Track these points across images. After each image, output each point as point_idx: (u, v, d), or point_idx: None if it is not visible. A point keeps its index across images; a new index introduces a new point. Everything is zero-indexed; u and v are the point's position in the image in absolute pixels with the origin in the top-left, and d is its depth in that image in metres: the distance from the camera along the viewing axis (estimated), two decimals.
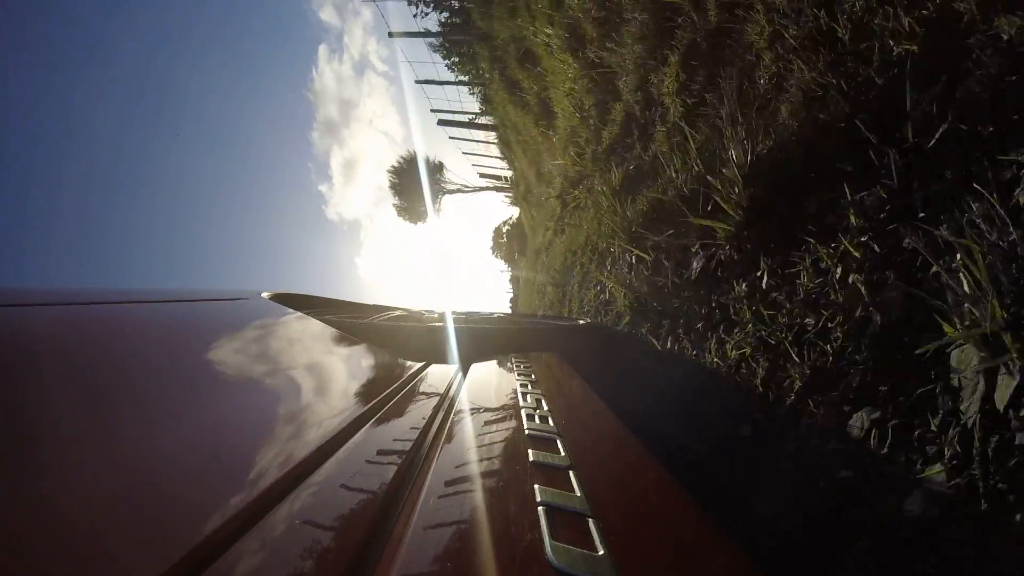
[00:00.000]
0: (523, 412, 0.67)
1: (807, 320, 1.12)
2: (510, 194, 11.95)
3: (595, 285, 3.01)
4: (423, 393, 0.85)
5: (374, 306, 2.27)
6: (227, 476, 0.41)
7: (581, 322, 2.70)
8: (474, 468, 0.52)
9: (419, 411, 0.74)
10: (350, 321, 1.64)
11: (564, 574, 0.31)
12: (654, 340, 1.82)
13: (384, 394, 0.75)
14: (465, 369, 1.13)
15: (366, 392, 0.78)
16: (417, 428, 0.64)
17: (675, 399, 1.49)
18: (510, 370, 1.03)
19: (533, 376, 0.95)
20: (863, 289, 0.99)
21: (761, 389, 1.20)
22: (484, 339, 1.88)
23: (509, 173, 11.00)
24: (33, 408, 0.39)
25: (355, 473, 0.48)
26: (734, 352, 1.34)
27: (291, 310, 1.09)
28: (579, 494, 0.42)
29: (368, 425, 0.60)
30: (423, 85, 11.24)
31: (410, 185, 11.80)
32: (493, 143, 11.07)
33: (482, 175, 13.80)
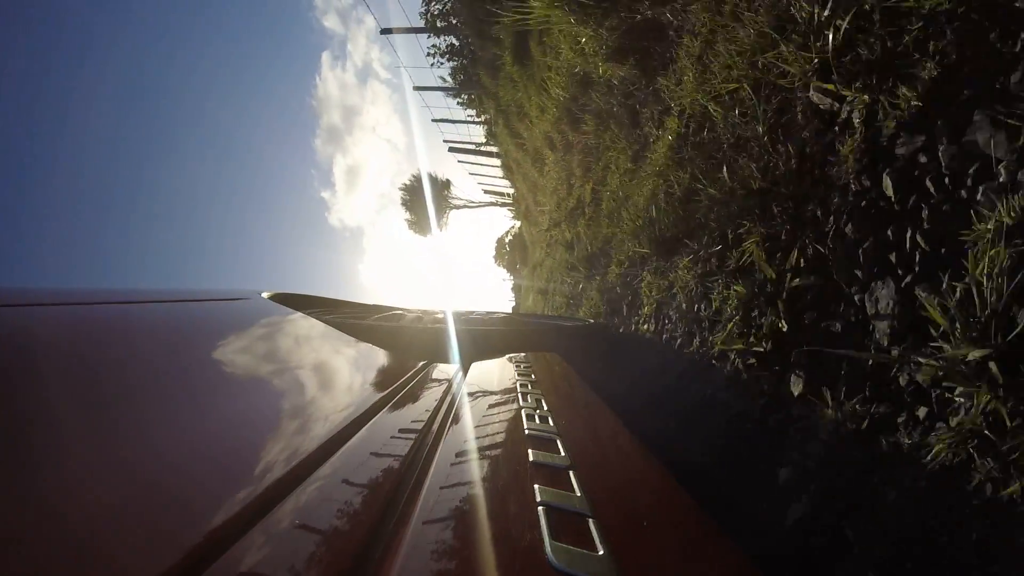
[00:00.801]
0: (523, 412, 0.67)
1: None
2: (512, 210, 13.26)
3: (558, 293, 5.22)
4: (423, 393, 0.85)
5: (374, 306, 2.27)
6: (228, 475, 0.41)
7: (591, 321, 2.72)
8: (474, 468, 0.52)
9: (419, 411, 0.74)
10: (350, 321, 1.64)
11: (564, 574, 0.31)
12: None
13: (384, 394, 0.75)
14: (466, 369, 1.13)
15: (366, 392, 0.79)
16: (417, 428, 0.64)
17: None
18: (510, 370, 1.03)
19: (533, 376, 0.95)
20: None
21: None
22: (485, 339, 1.88)
23: (511, 190, 12.17)
24: (34, 408, 0.39)
25: (356, 473, 0.48)
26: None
27: (291, 310, 1.09)
28: (579, 494, 0.42)
29: (368, 425, 0.60)
30: (438, 122, 12.77)
31: (420, 202, 13.18)
32: (497, 167, 12.15)
33: (486, 191, 15.09)
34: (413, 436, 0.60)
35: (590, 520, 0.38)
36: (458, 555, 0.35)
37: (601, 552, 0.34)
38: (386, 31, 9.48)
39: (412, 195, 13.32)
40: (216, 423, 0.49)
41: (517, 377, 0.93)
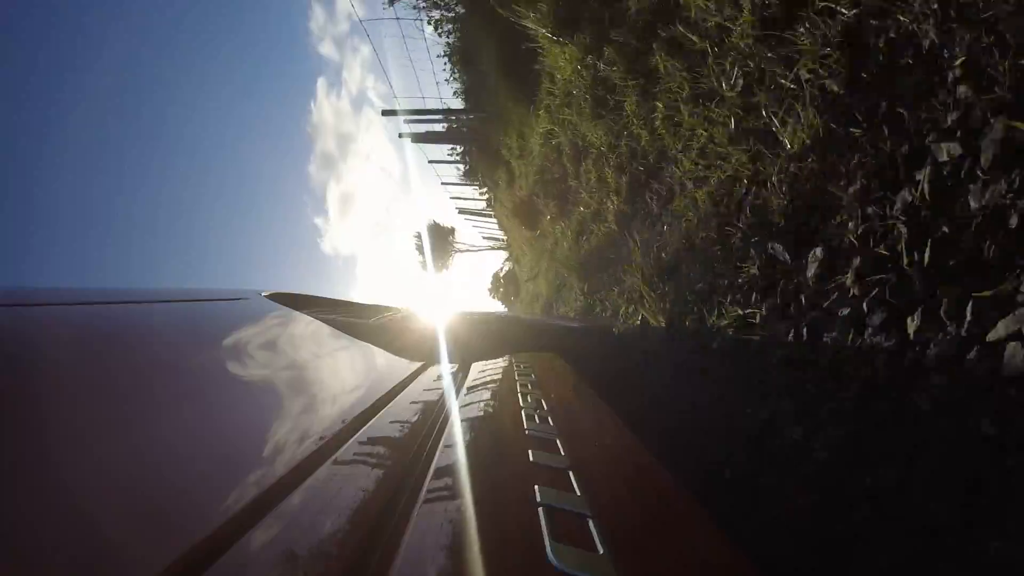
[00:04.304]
0: (523, 412, 0.67)
1: None
2: (508, 254, 16.38)
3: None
4: (423, 392, 0.85)
5: (375, 306, 2.27)
6: (227, 476, 0.41)
7: (581, 324, 2.72)
8: (474, 468, 0.52)
9: (419, 411, 0.74)
10: (350, 320, 1.64)
11: (564, 574, 0.31)
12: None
13: (384, 393, 0.75)
14: (465, 369, 1.13)
15: (366, 392, 0.78)
16: (417, 428, 0.64)
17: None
18: (510, 370, 1.03)
19: (533, 376, 0.95)
20: None
21: None
22: (485, 339, 1.88)
23: (506, 237, 14.92)
24: (33, 408, 0.39)
25: (355, 473, 0.48)
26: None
27: (291, 309, 1.08)
28: (579, 494, 0.42)
29: (368, 425, 0.60)
30: (455, 199, 16.36)
31: (430, 247, 16.09)
32: (494, 223, 15.52)
33: (485, 238, 18.65)
34: (413, 436, 0.60)
35: (590, 520, 0.38)
36: (458, 555, 0.35)
37: (601, 552, 0.34)
38: (432, 162, 13.19)
39: (423, 242, 16.40)
40: (216, 424, 0.49)
41: (517, 377, 0.93)
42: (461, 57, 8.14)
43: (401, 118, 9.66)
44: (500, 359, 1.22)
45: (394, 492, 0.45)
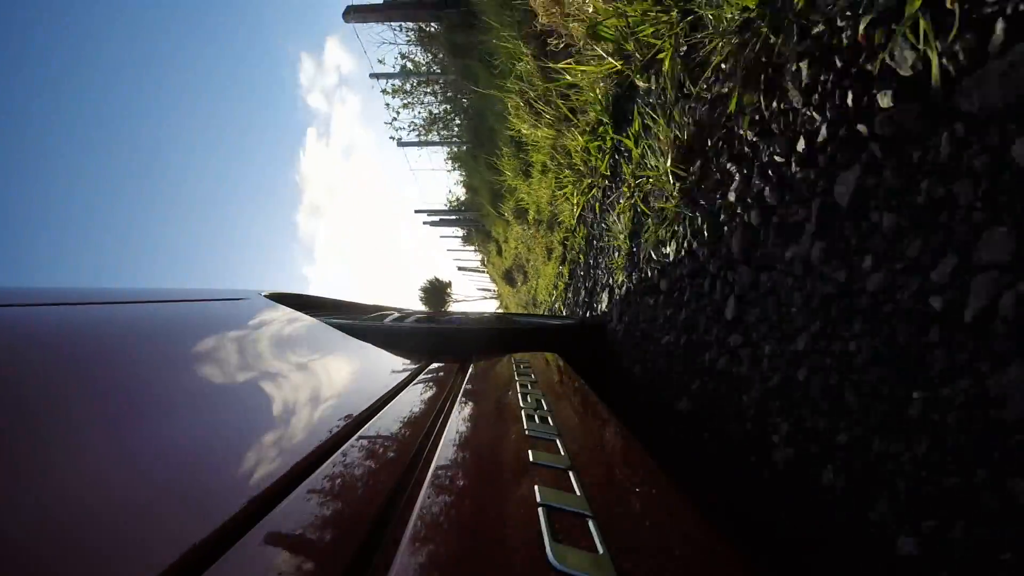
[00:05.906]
0: (523, 412, 0.67)
1: None
2: (499, 305, 18.48)
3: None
4: (422, 393, 0.85)
5: (374, 306, 2.27)
6: (226, 476, 0.41)
7: (587, 319, 2.72)
8: (474, 468, 0.52)
9: (418, 411, 0.74)
10: (350, 321, 1.64)
11: (564, 574, 0.31)
12: None
13: (383, 394, 0.75)
14: (465, 369, 1.13)
15: (365, 392, 0.78)
16: (416, 428, 0.64)
17: None
18: (510, 370, 1.03)
19: (533, 376, 0.95)
20: None
21: None
22: (484, 339, 1.88)
23: (497, 289, 16.97)
24: (32, 408, 0.39)
25: (355, 472, 0.48)
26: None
27: (291, 310, 1.09)
28: (579, 494, 0.42)
29: (367, 425, 0.60)
30: (461, 269, 20.14)
31: (431, 299, 18.72)
32: (487, 278, 18.12)
33: (479, 289, 21.46)
34: (412, 436, 0.60)
35: (590, 520, 0.38)
36: (458, 555, 0.35)
37: (601, 552, 0.34)
38: (443, 236, 16.73)
39: (427, 293, 19.01)
40: (215, 424, 0.49)
41: (517, 377, 0.93)
42: (466, 183, 12.10)
43: (426, 213, 15.01)
44: (500, 359, 1.22)
45: (393, 492, 0.45)
